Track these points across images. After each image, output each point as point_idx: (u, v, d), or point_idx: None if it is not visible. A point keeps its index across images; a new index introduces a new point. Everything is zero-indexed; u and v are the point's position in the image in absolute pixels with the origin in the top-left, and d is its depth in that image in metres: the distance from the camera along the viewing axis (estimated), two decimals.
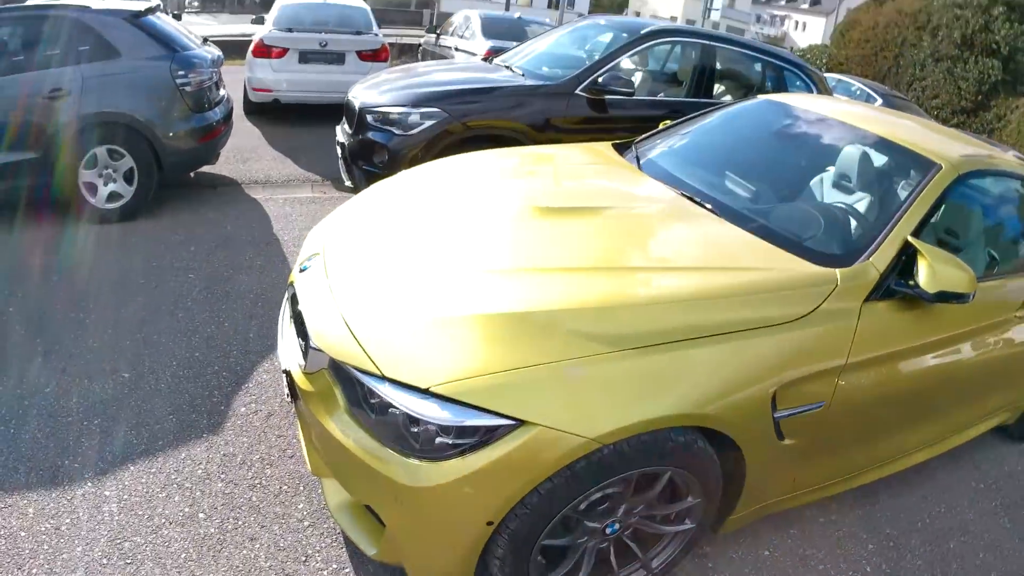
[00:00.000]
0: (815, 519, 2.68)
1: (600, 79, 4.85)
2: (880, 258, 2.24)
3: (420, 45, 11.78)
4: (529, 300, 1.90)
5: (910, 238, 2.28)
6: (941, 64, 13.71)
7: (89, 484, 2.33)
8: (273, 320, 3.46)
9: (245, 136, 6.94)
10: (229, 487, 2.38)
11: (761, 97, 3.67)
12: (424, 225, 2.44)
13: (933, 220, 2.47)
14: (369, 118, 4.63)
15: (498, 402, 1.65)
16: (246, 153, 6.46)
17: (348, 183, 4.98)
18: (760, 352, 1.93)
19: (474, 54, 8.50)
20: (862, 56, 15.65)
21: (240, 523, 2.24)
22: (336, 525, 2.26)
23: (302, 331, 2.10)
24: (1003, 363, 2.86)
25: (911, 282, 2.18)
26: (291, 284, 2.39)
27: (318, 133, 7.29)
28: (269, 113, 7.90)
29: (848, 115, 3.18)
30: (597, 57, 5.06)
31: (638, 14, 50.68)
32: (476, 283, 2.00)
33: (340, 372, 1.89)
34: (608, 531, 1.96)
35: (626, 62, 5.15)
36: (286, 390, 2.17)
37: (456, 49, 9.31)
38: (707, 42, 5.42)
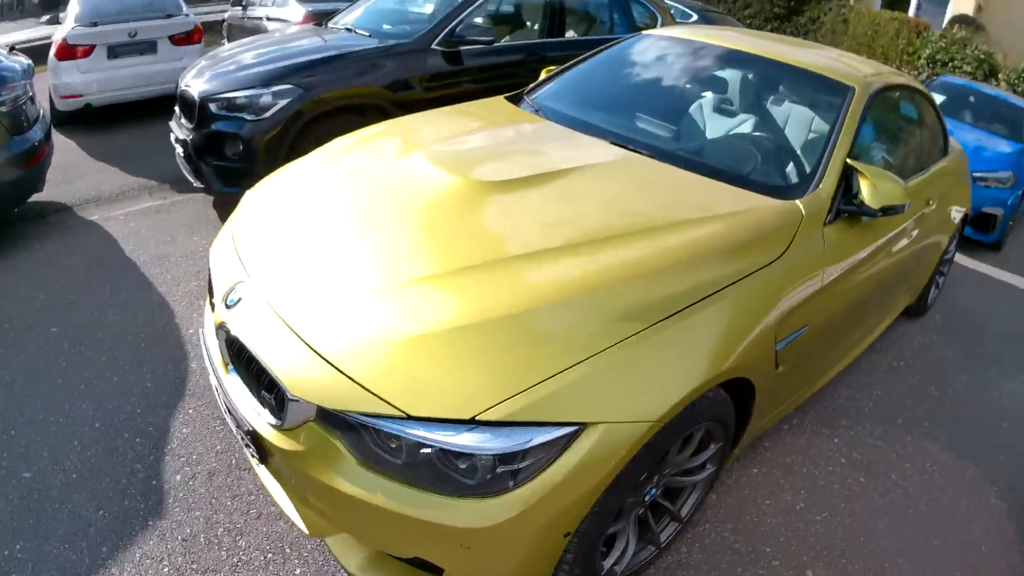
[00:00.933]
0: (779, 428, 2.83)
1: (457, 30, 4.56)
2: (828, 183, 2.37)
3: (224, 20, 10.48)
4: (529, 293, 1.73)
5: (849, 160, 2.42)
6: None
7: None
8: (165, 360, 3.00)
9: (61, 152, 5.92)
10: None
11: (644, 33, 3.60)
12: (364, 226, 2.08)
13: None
14: (213, 107, 4.07)
15: (557, 411, 1.51)
16: (67, 171, 5.55)
17: (196, 183, 4.37)
18: (761, 294, 1.99)
19: (289, 22, 7.72)
20: None
21: None
22: None
23: (262, 381, 1.76)
24: (918, 252, 3.17)
25: (855, 201, 2.34)
26: (220, 325, 1.96)
27: (137, 133, 6.43)
28: (79, 120, 6.84)
29: (743, 44, 3.19)
30: (448, 9, 4.72)
31: None
32: (462, 285, 1.77)
33: (336, 420, 1.59)
34: (647, 498, 1.95)
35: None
36: (251, 454, 1.84)
37: (268, 19, 8.39)
38: None
